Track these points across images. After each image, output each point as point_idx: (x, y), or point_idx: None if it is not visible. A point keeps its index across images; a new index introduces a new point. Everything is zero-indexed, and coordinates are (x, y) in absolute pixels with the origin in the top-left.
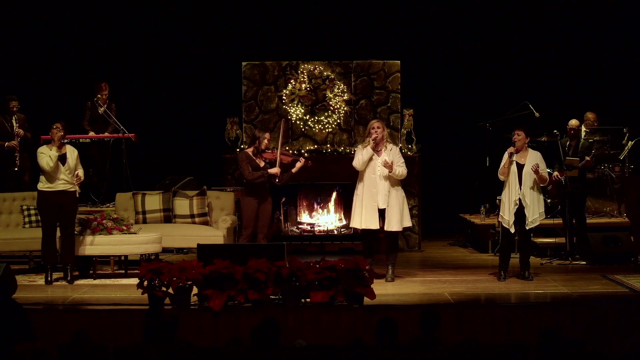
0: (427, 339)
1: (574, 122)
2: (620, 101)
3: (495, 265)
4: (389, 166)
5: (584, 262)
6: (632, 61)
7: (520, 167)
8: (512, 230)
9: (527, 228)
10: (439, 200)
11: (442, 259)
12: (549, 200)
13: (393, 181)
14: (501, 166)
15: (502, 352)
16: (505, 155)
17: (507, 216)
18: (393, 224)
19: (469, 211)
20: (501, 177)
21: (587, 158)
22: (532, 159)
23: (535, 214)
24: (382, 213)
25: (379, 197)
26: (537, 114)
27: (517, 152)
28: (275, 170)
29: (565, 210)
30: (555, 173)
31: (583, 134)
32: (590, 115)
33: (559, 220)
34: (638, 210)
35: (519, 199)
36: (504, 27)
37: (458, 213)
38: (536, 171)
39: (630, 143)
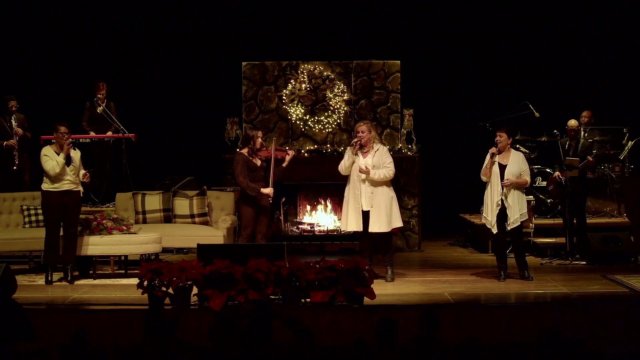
0: (427, 339)
1: (573, 123)
2: (620, 101)
3: (495, 265)
4: (364, 171)
5: (584, 262)
6: (632, 61)
7: (502, 167)
8: (495, 230)
9: (508, 229)
10: (439, 200)
11: (442, 259)
12: (549, 200)
13: (376, 182)
14: (483, 167)
15: (502, 352)
16: (488, 156)
17: (489, 217)
18: (377, 226)
19: (469, 211)
20: (483, 178)
21: (590, 158)
22: (515, 159)
23: (516, 214)
24: (368, 215)
25: (362, 200)
26: (537, 114)
27: (499, 152)
28: (268, 190)
29: (565, 210)
30: (557, 173)
31: (582, 133)
32: (584, 113)
33: (559, 220)
34: (638, 210)
35: (501, 200)
36: (504, 27)
37: (458, 213)
38: (510, 183)
39: (630, 143)
